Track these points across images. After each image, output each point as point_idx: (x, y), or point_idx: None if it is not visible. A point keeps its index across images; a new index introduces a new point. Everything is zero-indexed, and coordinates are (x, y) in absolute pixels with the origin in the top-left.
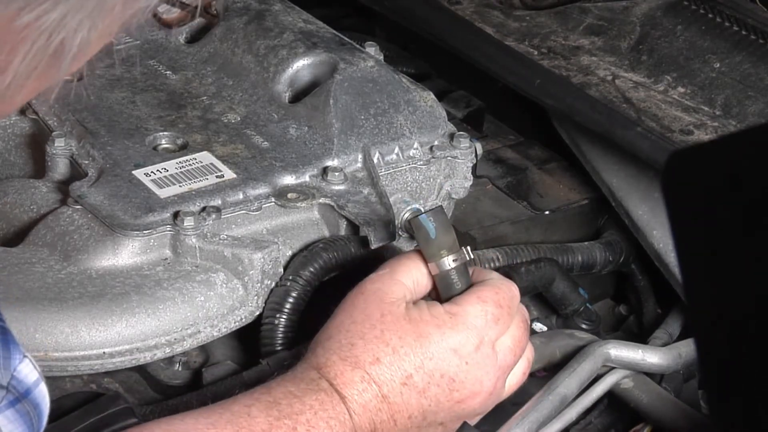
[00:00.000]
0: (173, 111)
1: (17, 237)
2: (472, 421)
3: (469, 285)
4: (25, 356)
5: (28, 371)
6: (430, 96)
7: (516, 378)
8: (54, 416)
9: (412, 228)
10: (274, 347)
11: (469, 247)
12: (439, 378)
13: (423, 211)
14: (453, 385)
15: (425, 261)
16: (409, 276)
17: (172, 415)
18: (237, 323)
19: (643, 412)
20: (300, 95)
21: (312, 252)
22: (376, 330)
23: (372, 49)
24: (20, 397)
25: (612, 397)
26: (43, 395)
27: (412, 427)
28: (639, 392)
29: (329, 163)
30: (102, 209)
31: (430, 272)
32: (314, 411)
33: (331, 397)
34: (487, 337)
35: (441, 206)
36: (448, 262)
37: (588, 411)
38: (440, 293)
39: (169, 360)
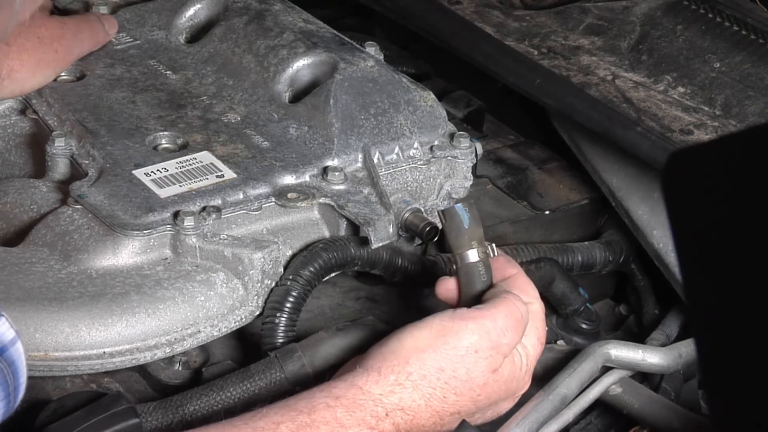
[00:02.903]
0: (173, 111)
1: (17, 237)
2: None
3: (491, 283)
4: (1, 315)
5: (4, 329)
6: (430, 96)
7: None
8: (56, 415)
9: (444, 217)
10: (275, 346)
11: (494, 244)
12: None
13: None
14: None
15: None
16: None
17: (187, 430)
18: (237, 323)
19: (637, 416)
20: (300, 95)
21: (312, 252)
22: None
23: (372, 49)
24: None
25: (605, 404)
26: (19, 354)
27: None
28: (629, 397)
29: (329, 162)
30: (102, 209)
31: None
32: None
33: None
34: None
35: (472, 201)
36: (476, 254)
37: (588, 411)
38: (462, 286)
39: (170, 360)
